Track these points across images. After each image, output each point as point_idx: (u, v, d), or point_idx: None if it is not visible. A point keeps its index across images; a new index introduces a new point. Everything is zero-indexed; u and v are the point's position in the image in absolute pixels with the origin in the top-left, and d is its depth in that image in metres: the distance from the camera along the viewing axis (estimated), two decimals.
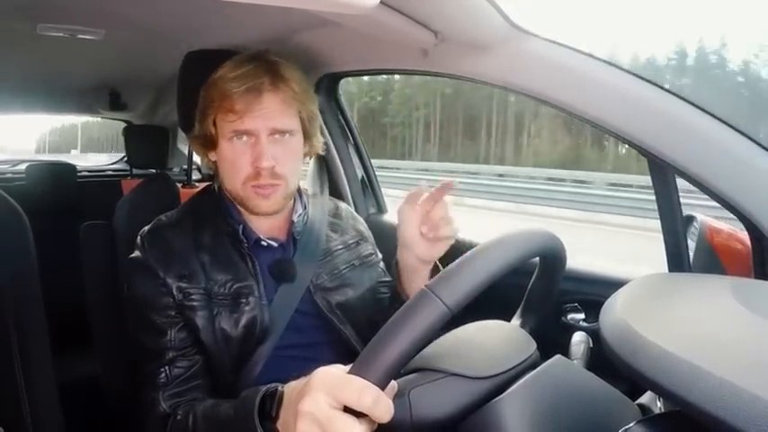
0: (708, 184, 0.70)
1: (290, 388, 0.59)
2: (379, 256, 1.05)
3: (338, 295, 0.91)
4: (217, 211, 0.90)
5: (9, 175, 2.24)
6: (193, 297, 0.82)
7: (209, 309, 0.82)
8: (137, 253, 0.86)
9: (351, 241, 0.99)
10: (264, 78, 0.82)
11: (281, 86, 0.83)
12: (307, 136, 0.89)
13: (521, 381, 0.52)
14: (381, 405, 0.45)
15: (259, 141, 0.82)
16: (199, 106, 0.88)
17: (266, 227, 0.91)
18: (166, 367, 0.81)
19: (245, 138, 0.82)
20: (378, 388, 0.45)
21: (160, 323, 0.82)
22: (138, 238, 0.88)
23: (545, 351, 0.60)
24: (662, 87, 0.74)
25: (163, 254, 0.84)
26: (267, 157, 0.81)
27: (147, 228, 0.89)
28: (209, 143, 0.87)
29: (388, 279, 1.04)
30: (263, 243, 0.88)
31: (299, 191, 0.95)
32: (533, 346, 0.60)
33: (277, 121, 0.82)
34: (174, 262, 0.83)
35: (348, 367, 0.47)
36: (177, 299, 0.82)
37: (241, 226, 0.88)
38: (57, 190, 2.01)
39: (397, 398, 0.50)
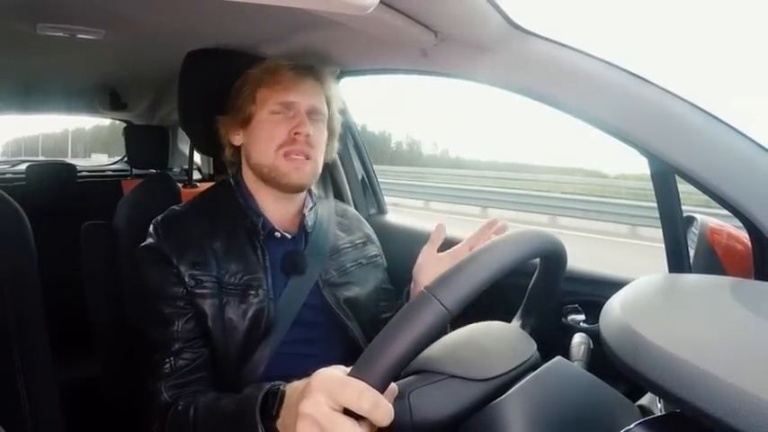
0: (708, 184, 0.70)
1: (291, 388, 0.59)
2: (384, 261, 1.07)
3: (346, 291, 0.93)
4: (233, 202, 0.92)
5: (9, 176, 2.24)
6: (205, 285, 0.84)
7: (219, 297, 0.84)
8: (150, 240, 0.87)
9: (358, 241, 1.02)
10: (305, 65, 0.94)
11: (319, 75, 0.94)
12: (330, 132, 0.96)
13: (521, 382, 0.52)
14: (381, 408, 0.45)
15: (299, 113, 0.89)
16: (235, 90, 0.94)
17: (279, 217, 0.93)
18: (171, 358, 0.81)
19: (284, 112, 0.89)
20: (377, 391, 0.44)
21: (168, 313, 0.83)
22: (152, 226, 0.89)
23: (545, 352, 0.60)
24: (662, 88, 0.74)
25: (177, 241, 0.85)
26: (307, 124, 0.88)
27: (159, 217, 0.90)
28: (243, 119, 0.92)
29: (389, 287, 1.06)
30: (277, 234, 0.90)
31: (308, 189, 0.98)
32: (533, 347, 0.60)
33: (316, 101, 0.91)
34: (188, 249, 0.85)
35: (349, 369, 0.47)
36: (189, 285, 0.83)
37: (261, 218, 0.89)
38: (57, 190, 2.01)
39: (397, 400, 0.50)
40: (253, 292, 0.85)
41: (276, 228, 0.90)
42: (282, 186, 0.90)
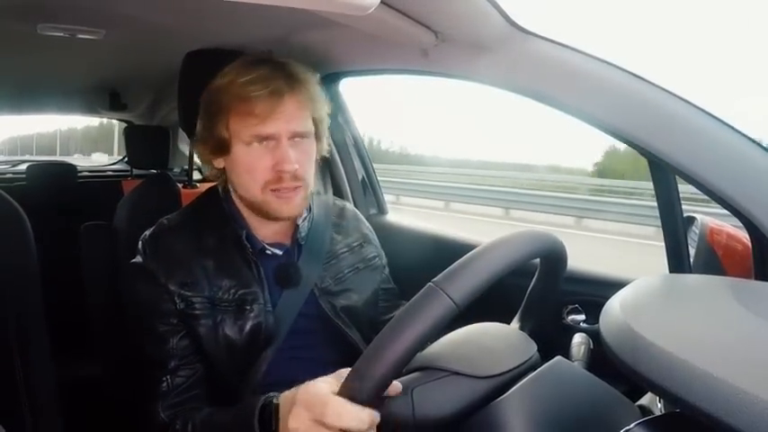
0: (708, 184, 0.70)
1: (284, 398, 0.60)
2: (384, 259, 1.04)
3: (343, 299, 0.90)
4: (221, 215, 0.88)
5: (9, 176, 2.24)
6: (196, 306, 0.81)
7: (213, 316, 0.81)
8: (138, 258, 0.85)
9: (355, 244, 0.98)
10: (282, 81, 0.80)
11: (299, 89, 0.82)
12: (318, 138, 0.88)
13: (522, 382, 0.52)
14: (365, 421, 0.46)
15: (280, 145, 0.80)
16: (205, 109, 0.85)
17: (271, 233, 0.89)
18: (168, 376, 0.80)
19: (264, 142, 0.80)
20: (359, 407, 0.46)
21: (162, 331, 0.81)
22: (140, 243, 0.86)
23: (546, 352, 0.60)
24: (662, 88, 0.74)
25: (165, 260, 0.83)
26: (291, 160, 0.79)
27: (148, 232, 0.87)
28: (220, 148, 0.83)
29: (390, 286, 1.04)
30: (268, 252, 0.87)
31: None
32: (534, 347, 0.60)
33: (297, 124, 0.81)
34: (177, 269, 0.82)
35: (334, 380, 0.49)
36: (179, 307, 0.81)
37: (244, 231, 0.86)
38: (57, 190, 2.01)
39: (401, 396, 0.50)
40: (248, 307, 0.82)
41: (266, 246, 0.87)
42: (273, 218, 0.85)
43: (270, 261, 0.87)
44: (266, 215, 0.84)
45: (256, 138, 0.80)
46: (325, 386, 0.50)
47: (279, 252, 0.88)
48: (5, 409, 0.73)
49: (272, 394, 0.63)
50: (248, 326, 0.82)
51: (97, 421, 1.13)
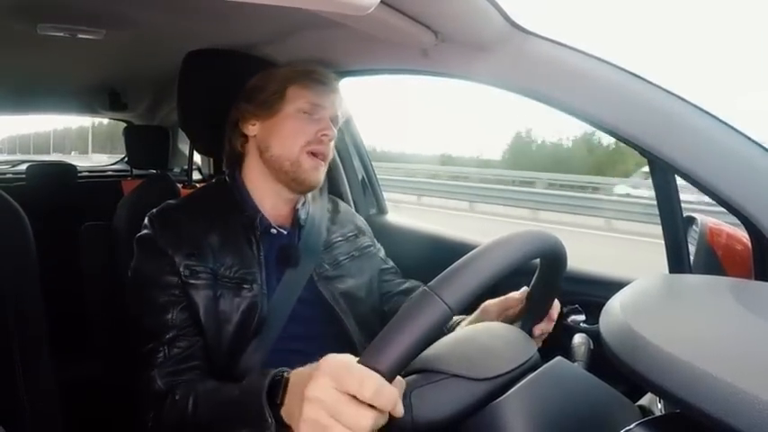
0: (708, 184, 0.70)
1: (296, 374, 0.59)
2: (378, 245, 1.08)
3: (340, 283, 0.94)
4: (229, 198, 0.93)
5: (9, 176, 2.24)
6: (200, 275, 0.84)
7: (213, 289, 0.84)
8: (145, 231, 0.88)
9: (350, 234, 1.03)
10: (332, 79, 0.96)
11: (338, 91, 0.96)
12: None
13: (522, 382, 0.52)
14: (384, 396, 0.44)
15: (325, 117, 0.92)
16: (260, 82, 0.95)
17: (275, 214, 0.94)
18: (165, 346, 0.81)
19: (311, 114, 0.91)
20: (381, 377, 0.44)
21: (163, 302, 0.83)
22: (147, 218, 0.89)
23: (545, 353, 0.60)
24: (662, 87, 0.74)
25: (172, 233, 0.86)
26: (333, 129, 0.91)
27: (155, 210, 0.90)
28: (267, 112, 0.92)
29: (390, 265, 1.08)
30: (273, 230, 0.91)
31: None
32: (534, 347, 0.60)
33: (336, 112, 0.94)
34: (184, 241, 0.85)
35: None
36: (183, 275, 0.83)
37: (259, 215, 0.90)
38: (57, 190, 2.01)
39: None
40: (247, 287, 0.85)
41: (273, 224, 0.91)
42: (298, 183, 0.91)
43: (271, 244, 0.90)
44: (294, 178, 0.90)
45: (312, 105, 0.91)
46: (349, 357, 0.48)
47: (284, 232, 0.93)
48: (5, 408, 0.73)
49: (282, 369, 0.62)
50: (244, 305, 0.84)
51: (97, 421, 1.13)
